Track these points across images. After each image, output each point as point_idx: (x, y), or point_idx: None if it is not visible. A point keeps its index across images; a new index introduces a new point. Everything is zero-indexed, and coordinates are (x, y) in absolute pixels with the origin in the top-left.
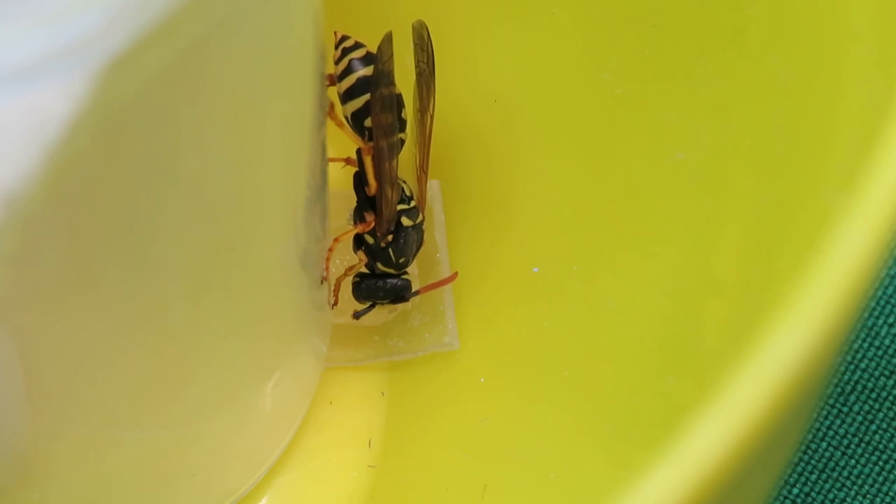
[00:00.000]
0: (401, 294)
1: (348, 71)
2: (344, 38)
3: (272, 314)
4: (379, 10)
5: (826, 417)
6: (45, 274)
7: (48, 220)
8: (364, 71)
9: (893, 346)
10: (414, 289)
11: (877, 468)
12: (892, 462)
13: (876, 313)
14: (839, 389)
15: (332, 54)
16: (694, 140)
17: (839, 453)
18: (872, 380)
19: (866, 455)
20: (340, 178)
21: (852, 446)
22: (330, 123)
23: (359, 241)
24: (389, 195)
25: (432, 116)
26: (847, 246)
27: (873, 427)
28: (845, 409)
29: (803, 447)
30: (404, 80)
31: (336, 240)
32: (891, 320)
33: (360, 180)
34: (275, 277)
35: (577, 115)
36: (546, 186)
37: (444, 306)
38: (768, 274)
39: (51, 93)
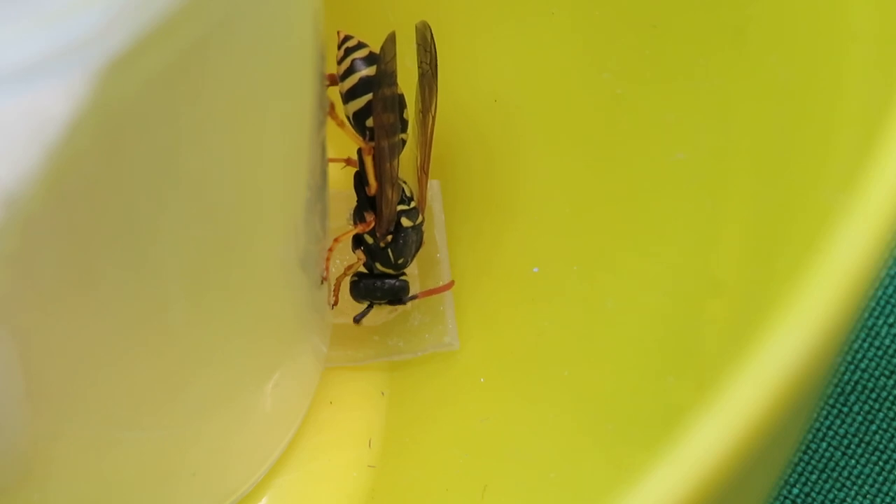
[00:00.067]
0: (398, 295)
1: (351, 71)
2: (347, 38)
3: (272, 314)
4: (379, 9)
5: (826, 417)
6: (45, 274)
7: (48, 220)
8: (367, 71)
9: (893, 346)
10: (412, 292)
11: (877, 468)
12: (892, 462)
13: (876, 313)
14: (839, 389)
15: (335, 54)
16: (694, 140)
17: (839, 453)
18: (872, 380)
19: (866, 455)
20: (340, 178)
21: (852, 446)
22: (330, 123)
23: (358, 241)
24: (390, 195)
25: (434, 117)
26: (847, 246)
27: (873, 427)
28: (845, 409)
29: (803, 447)
30: (405, 81)
31: (336, 240)
32: (891, 320)
33: (360, 180)
34: (275, 277)
35: (577, 115)
36: (546, 186)
37: (444, 306)
38: (768, 274)
39: (51, 93)
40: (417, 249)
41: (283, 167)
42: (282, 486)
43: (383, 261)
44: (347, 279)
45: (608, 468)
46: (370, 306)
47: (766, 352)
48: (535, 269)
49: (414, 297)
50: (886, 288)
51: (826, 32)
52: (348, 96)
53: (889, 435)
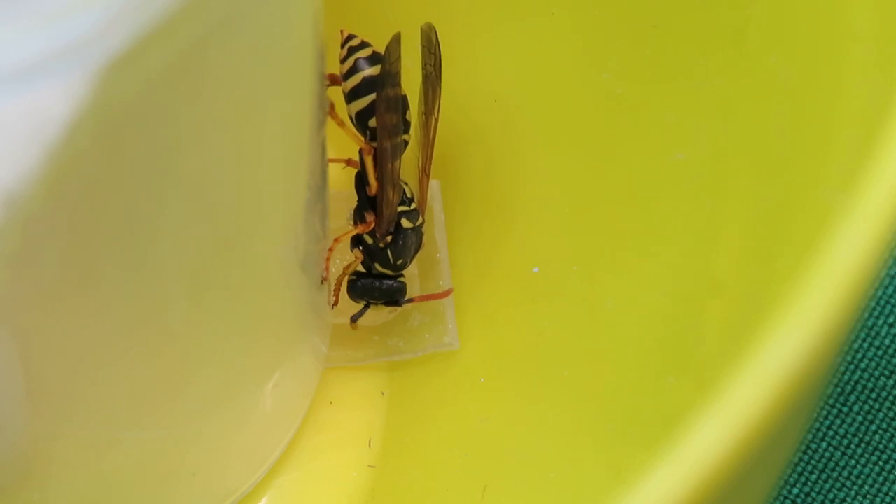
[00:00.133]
0: (395, 296)
1: (354, 70)
2: (350, 38)
3: (272, 314)
4: (379, 9)
5: (826, 417)
6: (45, 274)
7: (48, 220)
8: (370, 70)
9: (893, 346)
10: (409, 294)
11: (877, 468)
12: (892, 462)
13: (876, 313)
14: (839, 389)
15: (337, 53)
16: (694, 140)
17: (839, 453)
18: (872, 380)
19: (866, 455)
20: (341, 178)
21: (852, 446)
22: (331, 123)
23: (356, 239)
24: (390, 196)
25: (436, 119)
26: (847, 246)
27: (873, 427)
28: (845, 409)
29: (803, 447)
30: (405, 81)
31: (336, 240)
32: (891, 320)
33: (361, 180)
34: (275, 277)
35: (577, 115)
36: (546, 186)
37: (444, 306)
38: (768, 274)
39: (51, 93)
40: (417, 251)
41: (283, 167)
42: (282, 486)
43: (382, 261)
44: (347, 279)
45: (608, 468)
46: (367, 306)
47: (766, 352)
48: (535, 269)
49: (410, 300)
50: (886, 288)
51: (826, 32)
52: (351, 96)
53: (889, 435)
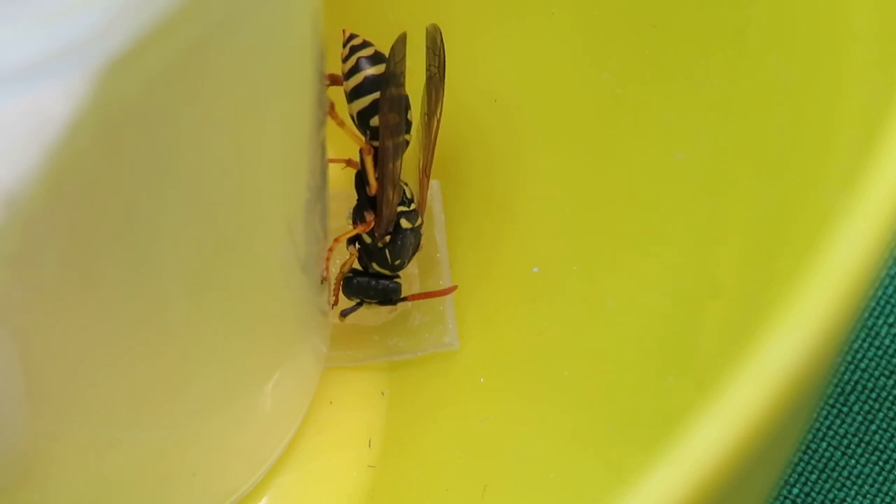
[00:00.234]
0: (389, 296)
1: (356, 69)
2: (352, 37)
3: (272, 314)
4: (379, 9)
5: (826, 417)
6: (45, 274)
7: (48, 220)
8: (372, 70)
9: (893, 346)
10: (411, 291)
11: (877, 468)
12: (892, 462)
13: (876, 313)
14: (839, 389)
15: (338, 53)
16: (694, 140)
17: (839, 453)
18: (872, 380)
19: (866, 455)
20: (341, 178)
21: (852, 446)
22: (331, 123)
23: (353, 237)
24: (390, 196)
25: (439, 121)
26: (847, 246)
27: (873, 427)
28: (845, 409)
29: (803, 447)
30: (406, 81)
31: (336, 240)
32: (891, 320)
33: (361, 180)
34: (275, 277)
35: (577, 115)
36: (546, 186)
37: (444, 306)
38: (768, 274)
39: (51, 93)
40: (415, 252)
41: (282, 167)
42: (282, 486)
43: (380, 261)
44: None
45: (608, 468)
46: (359, 304)
47: (766, 352)
48: (535, 269)
49: (404, 300)
50: (886, 288)
51: (826, 32)
52: (353, 95)
53: (889, 435)
